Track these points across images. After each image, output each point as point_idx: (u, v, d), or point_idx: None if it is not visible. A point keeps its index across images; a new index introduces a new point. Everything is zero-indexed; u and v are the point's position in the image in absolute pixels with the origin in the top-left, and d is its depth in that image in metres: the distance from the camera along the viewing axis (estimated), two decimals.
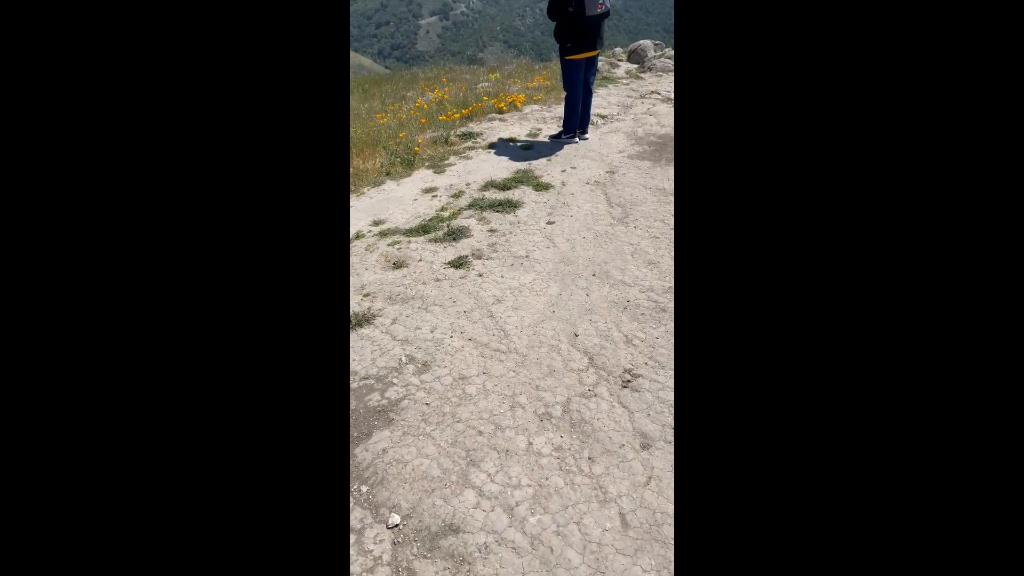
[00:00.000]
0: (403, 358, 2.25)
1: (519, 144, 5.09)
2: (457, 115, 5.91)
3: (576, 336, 2.32)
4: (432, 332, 2.41)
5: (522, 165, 4.56)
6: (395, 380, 2.14)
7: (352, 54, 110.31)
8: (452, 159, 4.89)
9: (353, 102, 10.69)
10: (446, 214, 3.70)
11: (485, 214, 3.61)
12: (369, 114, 7.44)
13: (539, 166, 4.51)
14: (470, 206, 3.77)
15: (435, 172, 4.61)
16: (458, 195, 4.03)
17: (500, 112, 6.13)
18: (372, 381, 2.13)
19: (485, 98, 6.33)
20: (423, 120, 5.75)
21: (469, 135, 5.38)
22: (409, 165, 4.76)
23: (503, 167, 4.55)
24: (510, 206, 3.68)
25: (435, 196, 4.10)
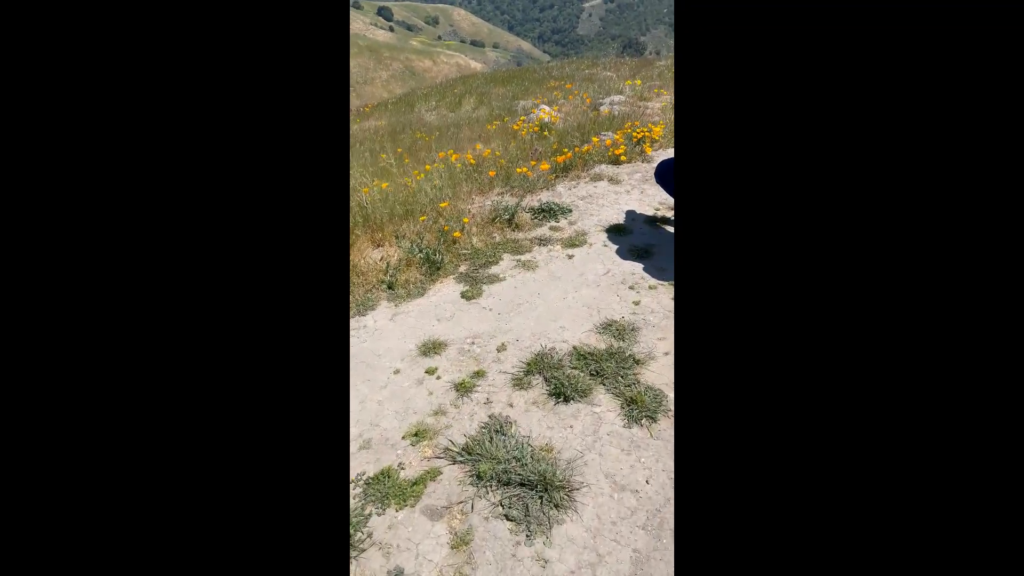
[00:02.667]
0: None
1: (629, 241, 2.80)
2: (546, 165, 3.74)
3: None
4: None
5: (624, 305, 2.31)
6: None
7: (512, 37, 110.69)
8: (505, 262, 2.78)
9: (467, 107, 8.98)
10: (408, 471, 1.63)
11: (491, 524, 1.47)
12: (444, 138, 5.56)
13: (657, 312, 2.22)
14: (466, 454, 1.64)
15: (464, 293, 2.55)
16: (468, 385, 1.94)
17: (616, 163, 3.82)
18: None
19: (595, 141, 4.05)
20: (492, 172, 3.68)
21: (551, 212, 3.19)
22: (434, 269, 2.76)
23: (586, 304, 2.33)
24: (550, 497, 1.48)
25: (433, 371, 2.05)
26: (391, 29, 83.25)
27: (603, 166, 3.77)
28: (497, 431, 1.70)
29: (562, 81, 9.99)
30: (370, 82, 37.21)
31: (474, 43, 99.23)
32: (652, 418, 1.70)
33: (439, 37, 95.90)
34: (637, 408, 1.73)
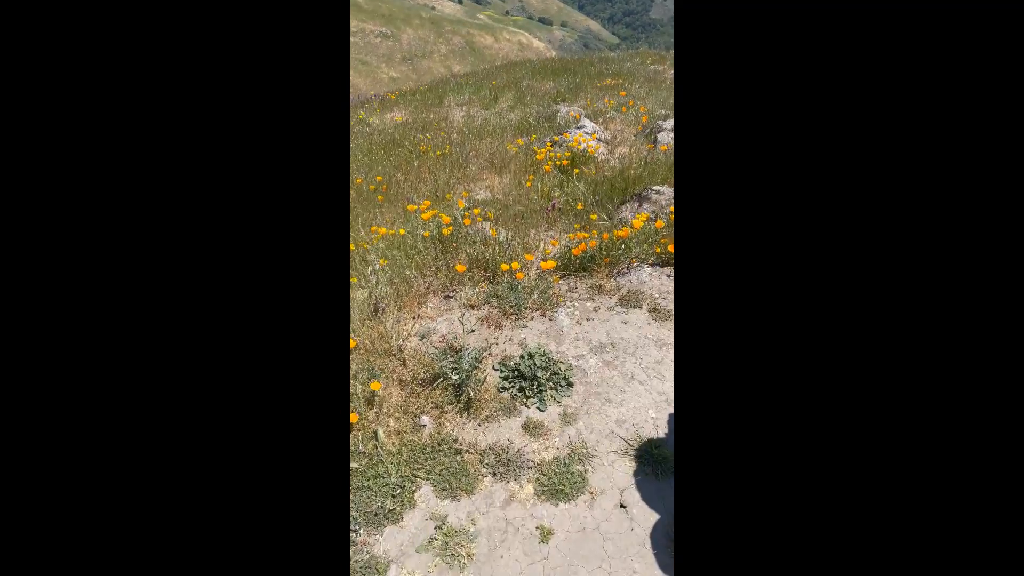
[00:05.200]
0: None
1: (672, 502, 1.32)
2: (551, 260, 2.24)
3: None
4: None
5: None
6: None
7: (582, 17, 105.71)
8: (416, 515, 1.34)
9: (502, 105, 7.47)
10: None
11: None
12: (454, 154, 4.05)
13: None
14: None
15: None
16: None
17: (670, 264, 2.27)
18: None
19: (637, 223, 2.47)
20: (461, 267, 2.22)
21: (535, 381, 1.71)
22: None
23: None
24: None
25: None
26: (460, 1, 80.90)
27: (645, 271, 2.24)
28: None
29: (620, 79, 8.27)
30: (428, 56, 35.60)
31: (542, 20, 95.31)
32: None
33: (507, 12, 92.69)
34: None
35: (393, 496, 1.41)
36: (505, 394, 1.70)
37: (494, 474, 1.46)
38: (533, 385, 1.69)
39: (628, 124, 5.16)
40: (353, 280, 2.26)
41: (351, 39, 32.32)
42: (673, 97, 5.89)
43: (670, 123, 4.60)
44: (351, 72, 28.74)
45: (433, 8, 55.10)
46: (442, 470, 1.47)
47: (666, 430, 1.53)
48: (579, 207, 2.96)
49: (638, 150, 4.03)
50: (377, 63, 32.34)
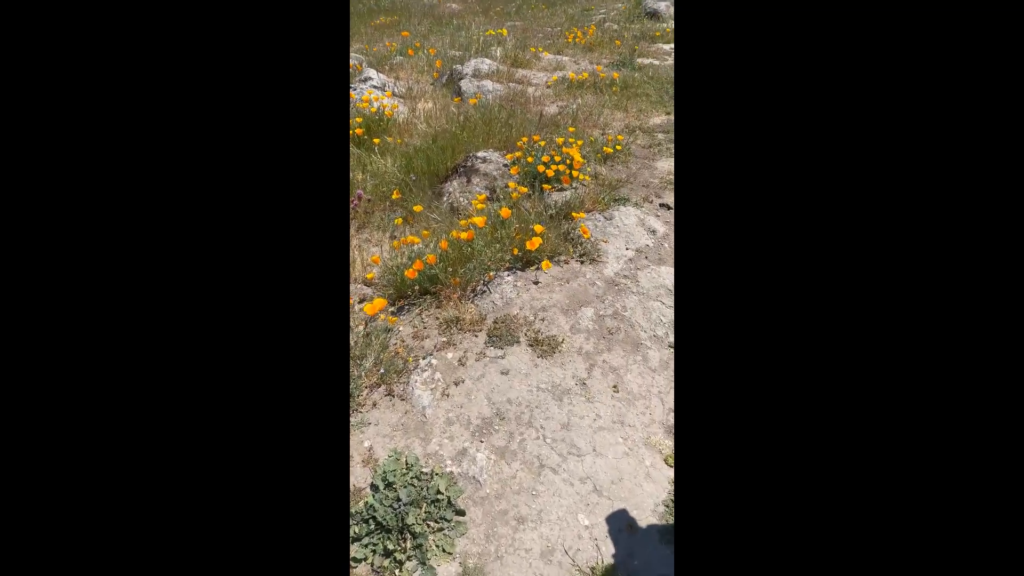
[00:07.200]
0: None
1: None
2: (381, 300, 1.54)
3: None
4: None
5: None
6: None
7: None
8: None
9: None
10: None
11: None
12: None
13: None
14: None
15: None
16: None
17: (529, 265, 1.75)
18: None
19: (479, 216, 1.85)
20: None
21: (410, 536, 1.09)
22: None
23: None
24: None
25: None
26: None
27: (507, 282, 1.67)
28: None
29: (396, 16, 7.21)
30: None
31: None
32: None
33: None
34: None
35: None
36: (363, 567, 1.03)
37: None
38: (405, 539, 1.05)
39: (420, 71, 4.35)
40: None
41: None
42: (464, 35, 5.18)
43: (469, 67, 3.94)
44: None
45: None
46: None
47: (611, 545, 1.05)
48: (394, 195, 2.22)
49: (444, 105, 3.33)
50: None
